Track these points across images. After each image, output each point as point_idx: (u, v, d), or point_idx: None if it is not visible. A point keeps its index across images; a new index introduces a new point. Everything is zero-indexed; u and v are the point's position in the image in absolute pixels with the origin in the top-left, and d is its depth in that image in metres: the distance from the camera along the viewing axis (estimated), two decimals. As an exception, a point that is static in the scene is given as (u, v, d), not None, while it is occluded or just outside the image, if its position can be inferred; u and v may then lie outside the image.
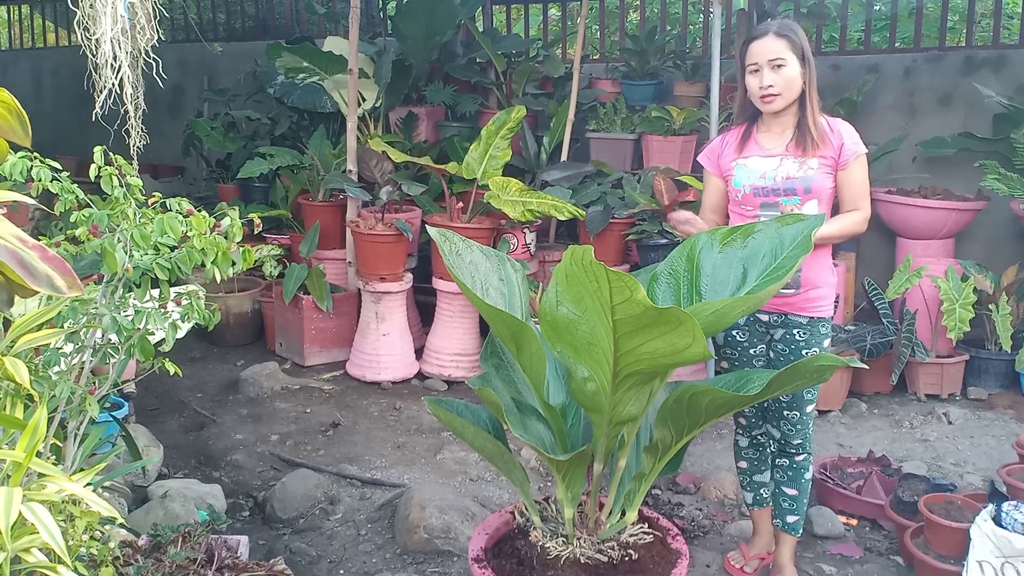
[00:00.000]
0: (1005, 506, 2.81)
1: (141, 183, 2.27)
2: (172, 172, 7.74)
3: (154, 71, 3.39)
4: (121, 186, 2.23)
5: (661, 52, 6.03)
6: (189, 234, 2.04)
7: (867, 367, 2.72)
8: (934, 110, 5.74)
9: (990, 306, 4.61)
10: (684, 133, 5.56)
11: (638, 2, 7.54)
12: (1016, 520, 2.73)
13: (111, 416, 3.51)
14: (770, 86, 2.72)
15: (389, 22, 7.09)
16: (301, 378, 4.94)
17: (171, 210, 2.24)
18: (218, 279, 2.19)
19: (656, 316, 2.13)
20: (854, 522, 3.47)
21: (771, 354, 2.89)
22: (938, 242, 5.21)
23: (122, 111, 3.09)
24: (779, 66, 2.71)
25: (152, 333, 2.24)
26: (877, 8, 6.35)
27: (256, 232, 2.29)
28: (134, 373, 3.63)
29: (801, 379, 2.36)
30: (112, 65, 2.56)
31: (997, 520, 2.79)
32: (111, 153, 2.33)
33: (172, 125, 7.91)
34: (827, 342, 2.86)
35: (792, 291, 2.70)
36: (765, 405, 2.90)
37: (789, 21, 2.84)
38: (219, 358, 5.31)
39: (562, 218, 4.75)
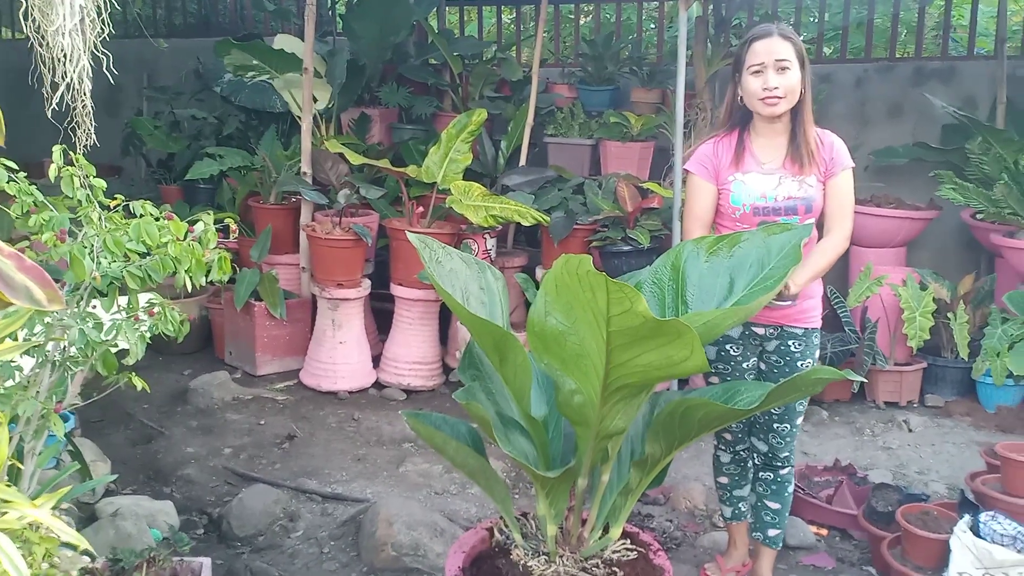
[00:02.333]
0: (983, 517, 2.81)
1: (105, 185, 2.12)
2: (109, 172, 7.41)
3: (104, 66, 3.21)
4: (83, 187, 2.08)
5: (617, 58, 6.00)
6: (163, 240, 1.90)
7: (865, 380, 2.69)
8: (885, 120, 5.82)
9: (948, 315, 4.66)
10: (642, 139, 5.54)
11: (591, 8, 7.51)
12: (995, 531, 2.73)
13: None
14: (776, 87, 2.62)
15: (340, 21, 6.94)
16: (253, 388, 4.76)
17: (137, 214, 2.09)
18: (189, 288, 2.05)
19: (655, 328, 2.06)
20: (824, 532, 3.46)
21: (762, 366, 2.84)
22: (891, 250, 5.27)
23: (74, 108, 2.91)
24: (784, 68, 2.63)
25: (115, 345, 2.09)
26: (828, 18, 6.42)
27: (232, 237, 2.16)
28: (79, 385, 3.44)
29: (797, 392, 2.32)
30: (66, 60, 2.39)
31: (976, 531, 2.79)
32: (72, 153, 2.18)
33: (109, 123, 7.52)
34: (818, 352, 2.83)
35: (788, 302, 2.65)
36: (752, 418, 2.86)
37: (787, 25, 2.78)
38: (164, 367, 5.09)
39: (526, 224, 4.67)
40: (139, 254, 1.96)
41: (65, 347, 1.93)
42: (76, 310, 1.93)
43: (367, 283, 4.90)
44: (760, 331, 2.79)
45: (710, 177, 2.77)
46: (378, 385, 4.87)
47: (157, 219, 2.04)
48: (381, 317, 5.29)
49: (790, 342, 2.77)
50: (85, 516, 3.38)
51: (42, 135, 3.58)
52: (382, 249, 5.26)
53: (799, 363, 2.77)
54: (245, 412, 4.49)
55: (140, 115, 6.83)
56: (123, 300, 2.31)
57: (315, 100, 5.70)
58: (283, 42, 5.76)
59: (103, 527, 3.15)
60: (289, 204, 5.21)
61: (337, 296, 4.72)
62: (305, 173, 5.03)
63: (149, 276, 1.94)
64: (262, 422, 4.38)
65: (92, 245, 1.91)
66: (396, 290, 4.83)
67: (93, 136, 3.68)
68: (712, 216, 2.81)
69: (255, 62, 5.50)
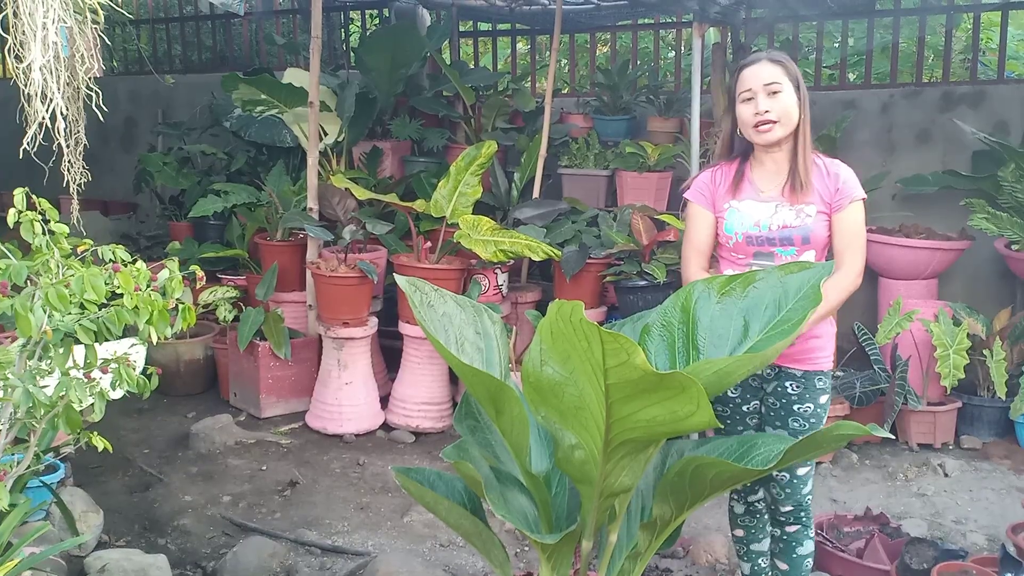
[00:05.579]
0: (1027, 578, 2.58)
1: (67, 229, 1.98)
2: (124, 209, 7.39)
3: (94, 103, 3.10)
4: (44, 233, 1.94)
5: (633, 87, 5.86)
6: (119, 290, 1.76)
7: (892, 436, 2.48)
8: (912, 146, 5.61)
9: (984, 351, 4.41)
10: (659, 169, 5.38)
11: (608, 36, 7.39)
12: (1041, 594, 2.50)
13: (41, 482, 3.19)
14: (767, 111, 2.50)
15: (352, 54, 6.87)
16: (257, 431, 4.60)
17: (104, 260, 1.95)
18: (154, 340, 1.90)
19: (656, 381, 1.88)
20: (855, 588, 3.23)
21: (763, 409, 2.67)
22: (921, 282, 5.04)
23: (54, 146, 2.80)
24: (775, 92, 2.50)
25: (80, 401, 1.94)
26: (851, 43, 6.24)
27: (196, 285, 2.01)
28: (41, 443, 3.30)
29: (818, 448, 2.13)
30: (36, 96, 2.28)
31: (1019, 593, 2.56)
32: (34, 195, 2.05)
33: (124, 160, 7.57)
34: (824, 397, 2.63)
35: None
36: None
37: (781, 51, 2.64)
38: (168, 409, 4.95)
39: (536, 259, 4.51)
40: (97, 305, 1.82)
41: (15, 408, 1.78)
42: (28, 366, 1.78)
43: (374, 321, 4.75)
44: (758, 371, 2.62)
45: (708, 204, 2.69)
46: (386, 427, 4.70)
47: (127, 264, 1.90)
48: (390, 355, 5.12)
49: (787, 383, 2.60)
50: (74, 570, 3.24)
51: (35, 174, 3.48)
52: (391, 286, 5.11)
53: (796, 406, 2.59)
54: (247, 457, 4.33)
55: (153, 151, 6.76)
56: (112, 347, 2.18)
57: (325, 134, 5.61)
58: (292, 76, 5.68)
59: (88, 584, 3.01)
60: (296, 240, 5.08)
61: (342, 335, 4.57)
62: (311, 209, 4.91)
63: (106, 329, 1.79)
64: (264, 468, 4.21)
65: (45, 297, 1.76)
66: (404, 328, 4.67)
67: (88, 174, 3.57)
68: (711, 245, 2.72)
69: (263, 96, 5.42)
